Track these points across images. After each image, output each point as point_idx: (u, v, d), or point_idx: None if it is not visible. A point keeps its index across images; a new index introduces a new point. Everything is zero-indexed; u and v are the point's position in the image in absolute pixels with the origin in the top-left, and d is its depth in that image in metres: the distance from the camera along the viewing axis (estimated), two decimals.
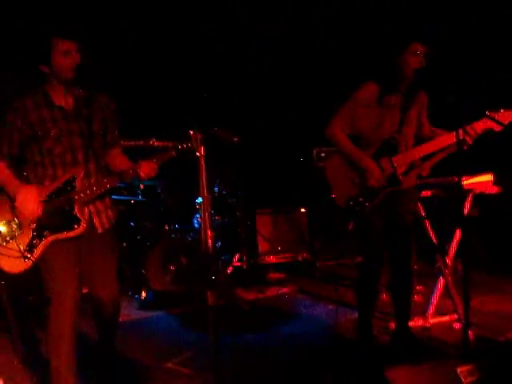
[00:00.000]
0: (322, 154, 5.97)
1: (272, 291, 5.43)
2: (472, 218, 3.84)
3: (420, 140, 3.47)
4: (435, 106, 3.40)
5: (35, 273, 2.77)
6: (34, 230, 2.71)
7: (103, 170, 2.93)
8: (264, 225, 6.19)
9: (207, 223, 2.80)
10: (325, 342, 3.91)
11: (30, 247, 2.70)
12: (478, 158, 3.39)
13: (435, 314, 4.00)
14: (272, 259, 6.15)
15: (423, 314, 3.99)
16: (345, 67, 6.11)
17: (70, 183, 2.75)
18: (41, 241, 2.71)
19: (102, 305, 2.92)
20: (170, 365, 3.55)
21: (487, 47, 5.27)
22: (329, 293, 4.97)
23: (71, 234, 2.74)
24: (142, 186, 5.30)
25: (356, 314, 3.68)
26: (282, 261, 6.17)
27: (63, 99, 2.82)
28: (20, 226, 2.71)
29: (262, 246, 6.14)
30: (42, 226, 2.72)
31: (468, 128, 3.20)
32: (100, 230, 2.86)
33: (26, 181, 2.81)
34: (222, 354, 2.84)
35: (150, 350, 3.84)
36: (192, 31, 6.05)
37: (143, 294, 4.99)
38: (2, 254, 2.67)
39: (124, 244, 5.17)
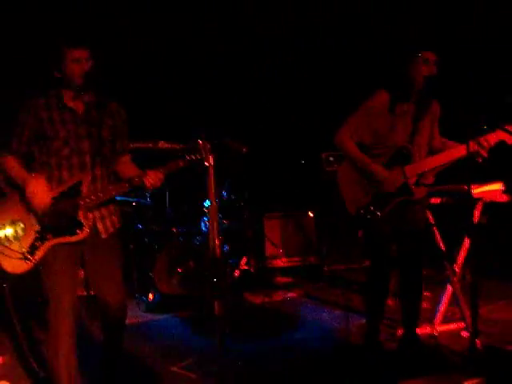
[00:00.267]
0: (331, 158, 5.96)
1: (279, 295, 5.42)
2: (481, 226, 3.81)
3: (430, 151, 3.45)
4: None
5: (38, 273, 2.77)
6: (37, 232, 2.72)
7: (110, 176, 2.93)
8: (272, 229, 6.18)
9: (215, 232, 2.80)
10: (331, 347, 3.89)
11: (32, 249, 2.70)
12: (488, 166, 3.36)
13: (443, 321, 3.97)
14: (279, 263, 6.14)
15: (430, 320, 3.95)
16: (350, 69, 6.11)
17: (75, 188, 2.75)
18: (43, 243, 2.71)
19: (108, 308, 2.92)
20: (175, 368, 3.55)
21: (487, 47, 5.24)
22: (336, 297, 4.96)
23: (73, 238, 2.74)
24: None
25: (363, 320, 3.66)
26: (289, 265, 6.16)
27: (73, 104, 2.83)
28: (24, 228, 2.71)
29: (270, 249, 6.13)
30: (46, 229, 2.72)
31: (481, 140, 3.16)
32: (104, 236, 2.86)
33: None
34: (227, 359, 2.84)
35: (156, 353, 3.85)
36: (192, 31, 6.03)
37: (150, 296, 4.99)
38: (5, 255, 2.68)
39: (131, 246, 5.18)
